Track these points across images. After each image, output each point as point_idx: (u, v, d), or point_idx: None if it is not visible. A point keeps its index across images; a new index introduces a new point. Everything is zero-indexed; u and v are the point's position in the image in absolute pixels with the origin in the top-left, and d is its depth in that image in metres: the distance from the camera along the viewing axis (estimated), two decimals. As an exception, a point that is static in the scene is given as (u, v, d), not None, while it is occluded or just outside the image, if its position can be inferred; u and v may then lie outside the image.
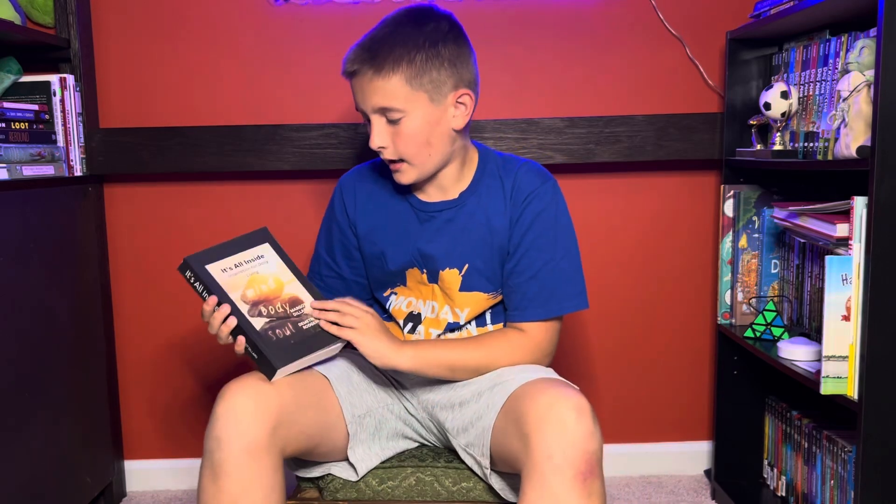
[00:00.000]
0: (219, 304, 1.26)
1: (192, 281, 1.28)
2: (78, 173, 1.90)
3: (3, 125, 1.69)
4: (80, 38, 1.90)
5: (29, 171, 1.71)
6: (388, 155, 1.37)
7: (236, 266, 1.30)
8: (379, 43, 1.32)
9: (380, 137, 1.35)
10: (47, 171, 1.78)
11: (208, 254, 1.29)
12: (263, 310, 1.28)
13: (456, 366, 1.37)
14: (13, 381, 1.60)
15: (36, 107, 1.80)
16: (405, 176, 1.39)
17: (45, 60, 1.90)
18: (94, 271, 1.96)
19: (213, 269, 1.28)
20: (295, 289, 1.33)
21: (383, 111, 1.33)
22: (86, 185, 1.93)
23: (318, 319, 1.31)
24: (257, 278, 1.31)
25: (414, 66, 1.30)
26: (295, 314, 1.31)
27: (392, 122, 1.33)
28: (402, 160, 1.37)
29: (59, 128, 1.86)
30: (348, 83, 1.39)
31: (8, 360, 1.58)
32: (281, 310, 1.30)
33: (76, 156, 1.90)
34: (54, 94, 1.85)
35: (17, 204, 1.63)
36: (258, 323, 1.27)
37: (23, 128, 1.75)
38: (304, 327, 1.30)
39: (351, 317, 1.31)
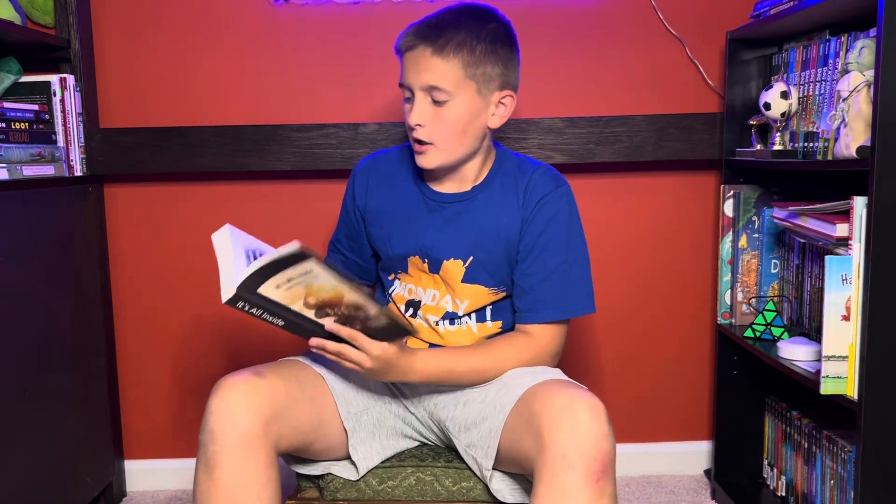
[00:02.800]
0: (282, 319, 1.20)
1: (246, 309, 1.18)
2: (78, 173, 1.90)
3: (4, 125, 1.69)
4: (80, 38, 1.90)
5: (29, 171, 1.71)
6: (421, 135, 1.38)
7: (289, 281, 1.17)
8: (445, 25, 1.35)
9: (420, 115, 1.37)
10: (47, 171, 1.78)
11: (253, 278, 1.14)
12: (329, 311, 1.22)
13: (461, 375, 1.38)
14: (13, 380, 1.60)
15: (36, 107, 1.80)
16: (429, 159, 1.40)
17: (45, 60, 1.90)
18: (94, 271, 1.96)
19: (267, 289, 1.16)
20: (356, 297, 1.23)
21: (431, 90, 1.35)
22: (86, 185, 1.93)
23: (384, 317, 1.26)
24: (315, 289, 1.20)
25: (474, 54, 1.34)
26: (362, 316, 1.25)
27: (437, 102, 1.36)
28: (431, 143, 1.38)
29: (59, 128, 1.86)
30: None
31: (8, 360, 1.58)
32: (346, 311, 1.24)
33: (76, 156, 1.90)
34: (54, 94, 1.85)
35: (17, 204, 1.63)
36: (328, 322, 1.23)
37: (23, 128, 1.75)
38: (373, 326, 1.26)
39: (349, 364, 1.28)
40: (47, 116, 1.84)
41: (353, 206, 1.55)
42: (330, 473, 1.41)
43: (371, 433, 1.41)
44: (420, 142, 1.39)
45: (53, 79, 1.84)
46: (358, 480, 1.41)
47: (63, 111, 1.86)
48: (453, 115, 1.36)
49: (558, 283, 1.40)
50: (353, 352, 1.26)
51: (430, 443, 1.51)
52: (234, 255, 1.17)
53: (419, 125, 1.37)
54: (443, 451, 1.46)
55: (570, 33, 2.00)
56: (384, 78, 1.99)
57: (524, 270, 1.41)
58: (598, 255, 2.05)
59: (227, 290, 1.15)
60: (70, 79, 1.87)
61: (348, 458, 1.40)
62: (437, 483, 1.41)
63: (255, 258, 1.20)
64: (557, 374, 1.38)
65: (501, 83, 1.39)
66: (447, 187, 1.47)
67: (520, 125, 1.95)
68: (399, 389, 1.48)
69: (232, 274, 1.15)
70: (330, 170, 1.97)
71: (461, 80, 1.34)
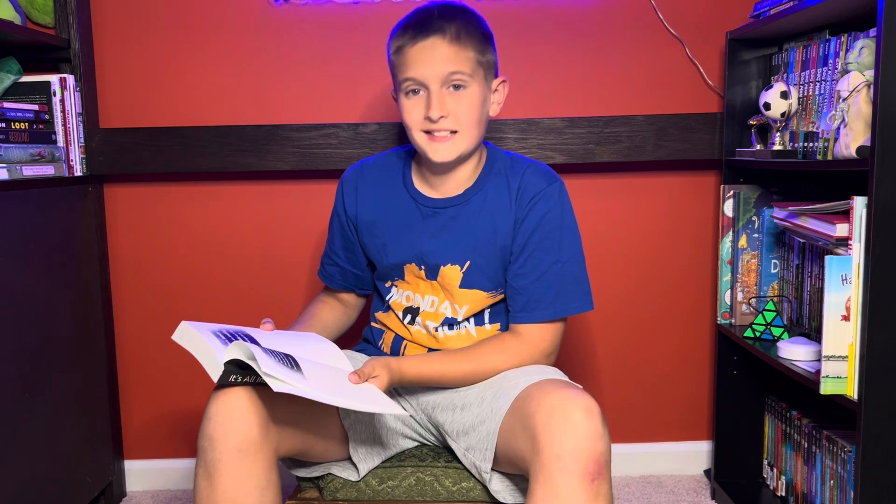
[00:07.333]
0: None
1: (240, 381, 1.20)
2: (78, 173, 1.90)
3: (4, 125, 1.69)
4: (80, 38, 1.90)
5: (29, 171, 1.71)
6: (447, 125, 1.37)
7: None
8: (448, 15, 1.38)
9: (441, 105, 1.36)
10: (47, 171, 1.78)
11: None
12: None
13: (451, 382, 1.39)
14: (14, 380, 1.60)
15: (36, 107, 1.80)
16: (451, 149, 1.38)
17: (45, 60, 1.90)
18: (94, 271, 1.96)
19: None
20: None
21: (451, 76, 1.36)
22: (86, 185, 1.94)
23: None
24: None
25: (484, 42, 1.39)
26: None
27: (457, 87, 1.37)
28: (456, 131, 1.38)
29: (59, 128, 1.86)
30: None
31: (8, 360, 1.58)
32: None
33: (76, 156, 1.90)
34: (54, 94, 1.85)
35: (18, 204, 1.64)
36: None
37: (23, 128, 1.75)
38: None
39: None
40: (47, 116, 1.84)
41: (345, 217, 1.53)
42: (330, 473, 1.41)
43: (371, 434, 1.41)
44: (442, 133, 1.37)
45: (53, 79, 1.84)
46: (358, 480, 1.41)
47: (63, 111, 1.86)
48: (473, 100, 1.38)
49: (552, 282, 1.39)
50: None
51: (429, 443, 1.51)
52: (206, 339, 1.19)
53: (442, 116, 1.36)
54: (443, 452, 1.46)
55: (570, 33, 2.00)
56: (384, 78, 1.99)
57: (517, 270, 1.41)
58: (599, 255, 2.06)
59: (215, 370, 1.17)
60: (70, 79, 1.87)
61: (349, 458, 1.40)
62: (437, 483, 1.41)
63: (225, 335, 1.22)
64: (553, 372, 1.38)
65: (496, 70, 1.44)
66: (440, 192, 1.46)
67: (520, 125, 1.95)
68: (396, 391, 1.48)
69: (213, 355, 1.17)
70: (330, 170, 1.97)
71: (475, 66, 1.37)
